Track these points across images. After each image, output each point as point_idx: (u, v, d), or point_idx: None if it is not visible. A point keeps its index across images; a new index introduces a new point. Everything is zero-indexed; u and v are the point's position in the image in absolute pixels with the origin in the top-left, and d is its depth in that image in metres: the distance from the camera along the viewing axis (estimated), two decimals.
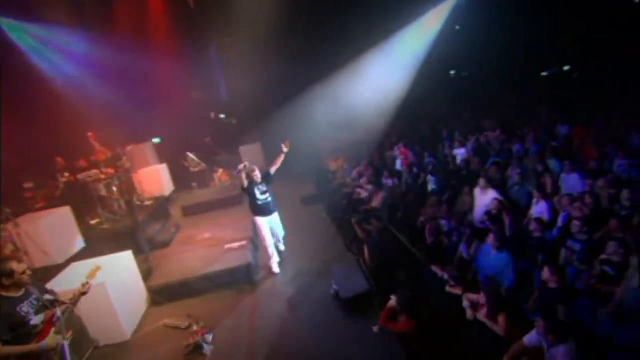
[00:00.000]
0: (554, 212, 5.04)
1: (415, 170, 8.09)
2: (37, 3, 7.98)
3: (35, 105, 7.97)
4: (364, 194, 7.60)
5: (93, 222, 7.12)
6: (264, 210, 5.65)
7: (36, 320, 3.02)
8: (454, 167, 8.05)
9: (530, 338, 3.09)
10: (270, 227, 5.75)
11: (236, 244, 6.17)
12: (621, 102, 8.24)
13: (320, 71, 11.67)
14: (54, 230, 5.79)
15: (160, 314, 5.15)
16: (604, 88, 9.42)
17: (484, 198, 5.68)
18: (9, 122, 6.59)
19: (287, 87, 11.86)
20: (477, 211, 5.80)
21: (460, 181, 6.98)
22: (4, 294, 2.97)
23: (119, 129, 8.84)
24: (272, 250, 5.76)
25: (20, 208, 6.35)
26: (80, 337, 4.13)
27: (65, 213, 6.25)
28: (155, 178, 9.10)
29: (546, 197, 5.24)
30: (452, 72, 15.11)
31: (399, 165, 9.09)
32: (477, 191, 5.92)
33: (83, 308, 4.00)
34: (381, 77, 11.50)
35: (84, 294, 3.28)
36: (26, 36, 8.14)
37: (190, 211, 8.62)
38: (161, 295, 5.43)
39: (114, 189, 7.27)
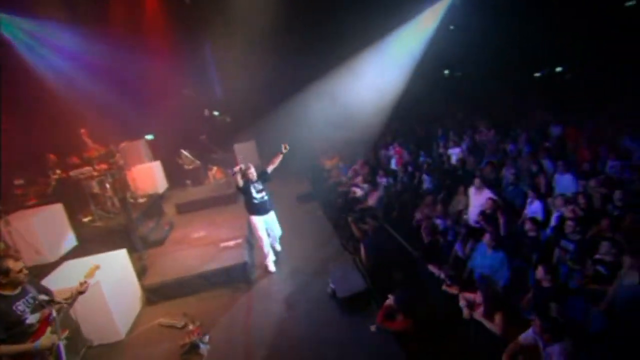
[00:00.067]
0: (547, 212, 5.12)
1: (410, 169, 8.14)
2: None
3: (27, 101, 7.82)
4: (359, 193, 7.61)
5: (85, 219, 7.04)
6: (260, 209, 5.62)
7: (32, 319, 2.97)
8: (449, 167, 8.12)
9: (526, 336, 3.13)
10: (267, 226, 5.73)
11: (232, 242, 6.14)
12: (613, 104, 8.35)
13: (315, 70, 11.62)
14: (45, 227, 5.70)
15: (155, 313, 5.11)
16: (596, 89, 9.54)
17: (479, 197, 5.72)
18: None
19: (282, 85, 11.80)
20: (472, 211, 5.84)
21: (455, 181, 7.04)
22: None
23: (112, 125, 8.75)
24: (267, 249, 5.74)
25: (11, 205, 6.23)
26: (75, 336, 4.09)
27: (57, 210, 6.16)
28: (148, 175, 9.01)
29: (540, 197, 5.32)
30: (446, 72, 15.18)
31: (393, 164, 9.13)
32: (472, 191, 5.97)
33: (76, 307, 3.91)
34: (377, 76, 11.53)
35: (81, 293, 3.22)
36: (18, 31, 7.97)
37: (184, 209, 8.57)
38: (156, 294, 5.38)
39: (107, 186, 7.17)
